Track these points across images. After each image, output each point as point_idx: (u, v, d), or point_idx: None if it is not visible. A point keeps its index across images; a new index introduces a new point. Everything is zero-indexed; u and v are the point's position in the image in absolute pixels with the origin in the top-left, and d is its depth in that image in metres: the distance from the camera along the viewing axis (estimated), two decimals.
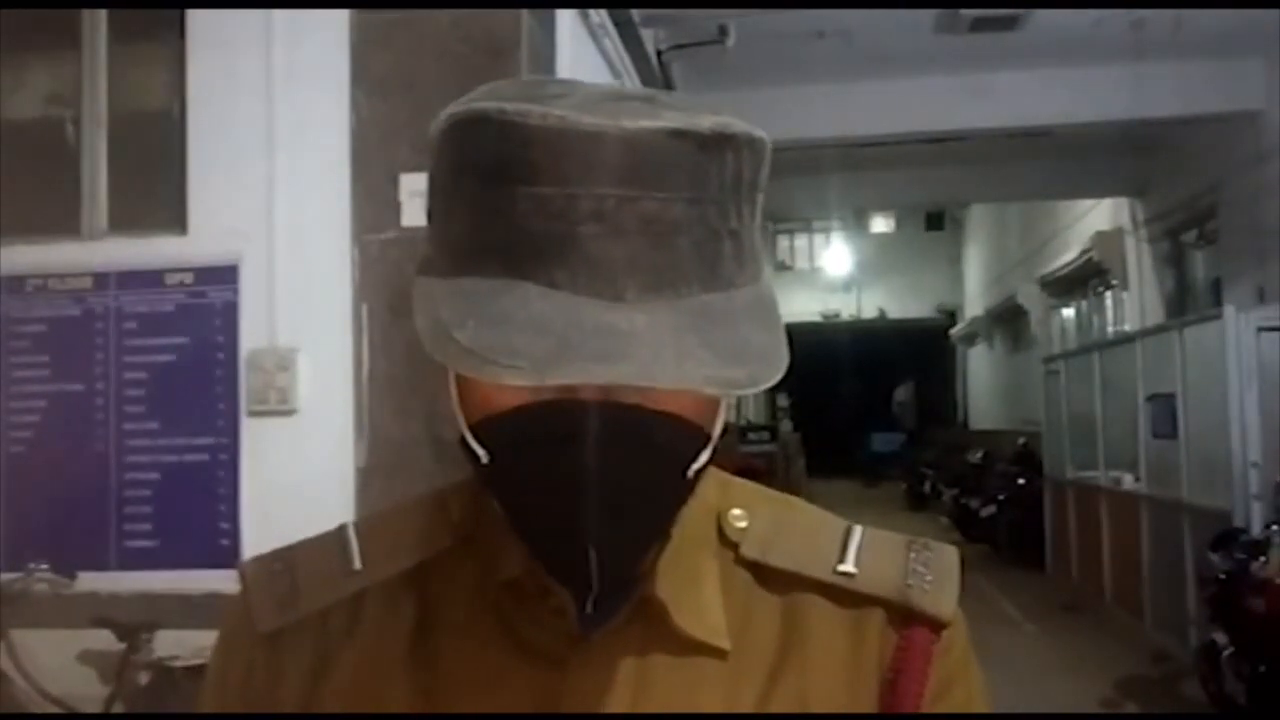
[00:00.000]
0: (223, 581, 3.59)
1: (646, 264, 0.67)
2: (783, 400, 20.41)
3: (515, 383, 0.65)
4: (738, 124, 0.70)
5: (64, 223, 4.02)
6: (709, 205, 0.69)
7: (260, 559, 0.85)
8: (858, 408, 24.92)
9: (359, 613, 0.82)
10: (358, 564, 0.82)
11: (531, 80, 0.75)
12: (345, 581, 0.82)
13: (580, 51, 4.66)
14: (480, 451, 0.73)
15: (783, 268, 23.63)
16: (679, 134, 0.67)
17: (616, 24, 5.41)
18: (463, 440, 0.74)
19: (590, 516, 0.68)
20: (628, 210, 0.66)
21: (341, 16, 3.71)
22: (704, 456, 0.74)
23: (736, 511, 0.84)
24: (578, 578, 0.70)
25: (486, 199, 0.69)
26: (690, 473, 0.73)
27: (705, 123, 0.68)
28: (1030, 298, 15.45)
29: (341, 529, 0.85)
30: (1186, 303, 10.49)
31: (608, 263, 0.66)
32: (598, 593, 0.70)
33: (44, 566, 3.74)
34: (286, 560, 0.84)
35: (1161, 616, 7.72)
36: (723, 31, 6.59)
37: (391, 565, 0.82)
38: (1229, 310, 6.83)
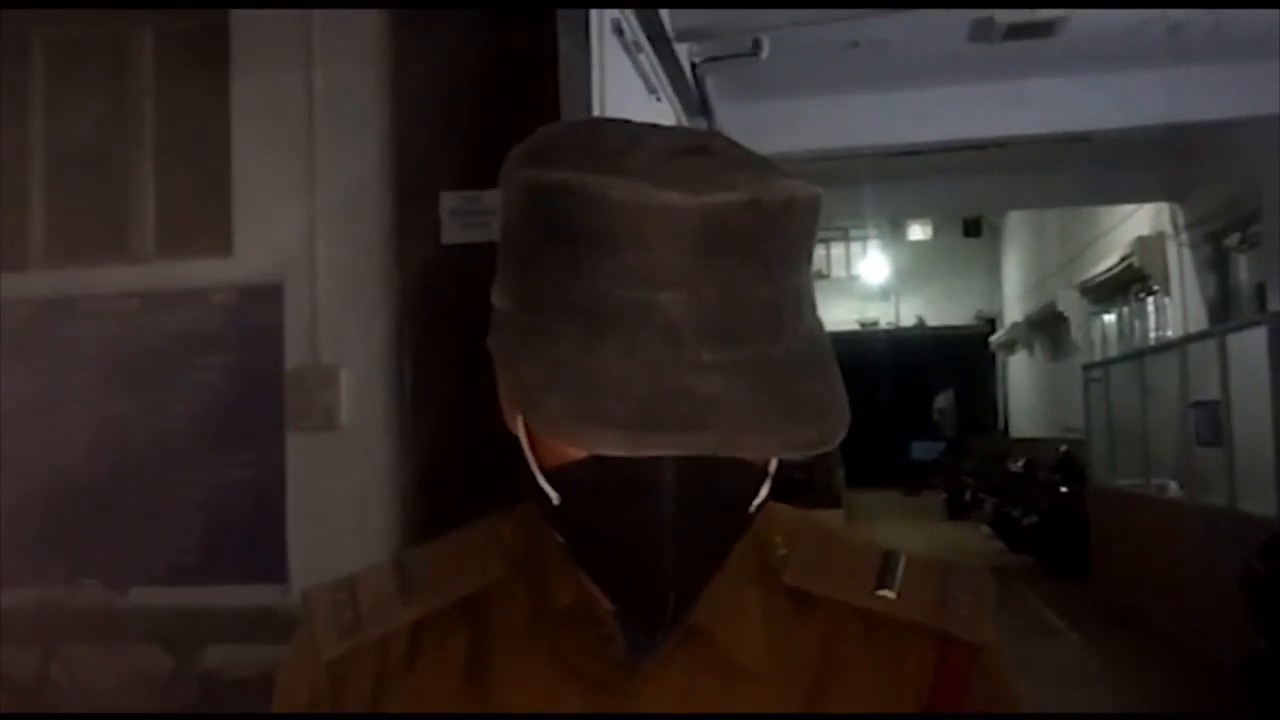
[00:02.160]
0: (270, 596, 3.67)
1: (721, 325, 0.70)
2: None
3: (608, 452, 0.68)
4: (801, 188, 0.73)
5: (112, 246, 4.11)
6: (776, 265, 0.72)
7: (325, 587, 0.88)
8: (897, 416, 24.74)
9: (418, 640, 0.85)
10: (415, 593, 0.86)
11: (586, 127, 0.79)
12: (404, 610, 0.85)
13: (616, 68, 4.69)
14: (552, 494, 0.76)
15: (820, 276, 23.57)
16: (752, 205, 0.70)
17: (651, 39, 5.44)
18: (531, 480, 0.77)
19: (668, 563, 0.72)
20: (705, 276, 0.69)
21: (380, 39, 3.77)
22: (763, 492, 0.77)
23: (777, 539, 0.86)
24: (652, 616, 0.74)
25: (567, 263, 0.71)
26: (752, 509, 0.77)
27: (776, 192, 0.71)
28: (1070, 304, 15.32)
29: (398, 558, 0.89)
30: (1230, 308, 10.36)
31: (685, 326, 0.69)
32: (667, 626, 0.75)
33: (95, 582, 3.81)
34: (350, 589, 0.87)
35: (1208, 625, 7.61)
36: (756, 45, 6.61)
37: (448, 594, 0.85)
38: (1273, 315, 6.75)
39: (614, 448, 0.67)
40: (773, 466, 0.77)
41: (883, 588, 0.84)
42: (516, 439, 0.80)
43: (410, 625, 0.85)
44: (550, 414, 0.68)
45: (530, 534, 0.86)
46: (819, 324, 0.78)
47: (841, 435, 0.71)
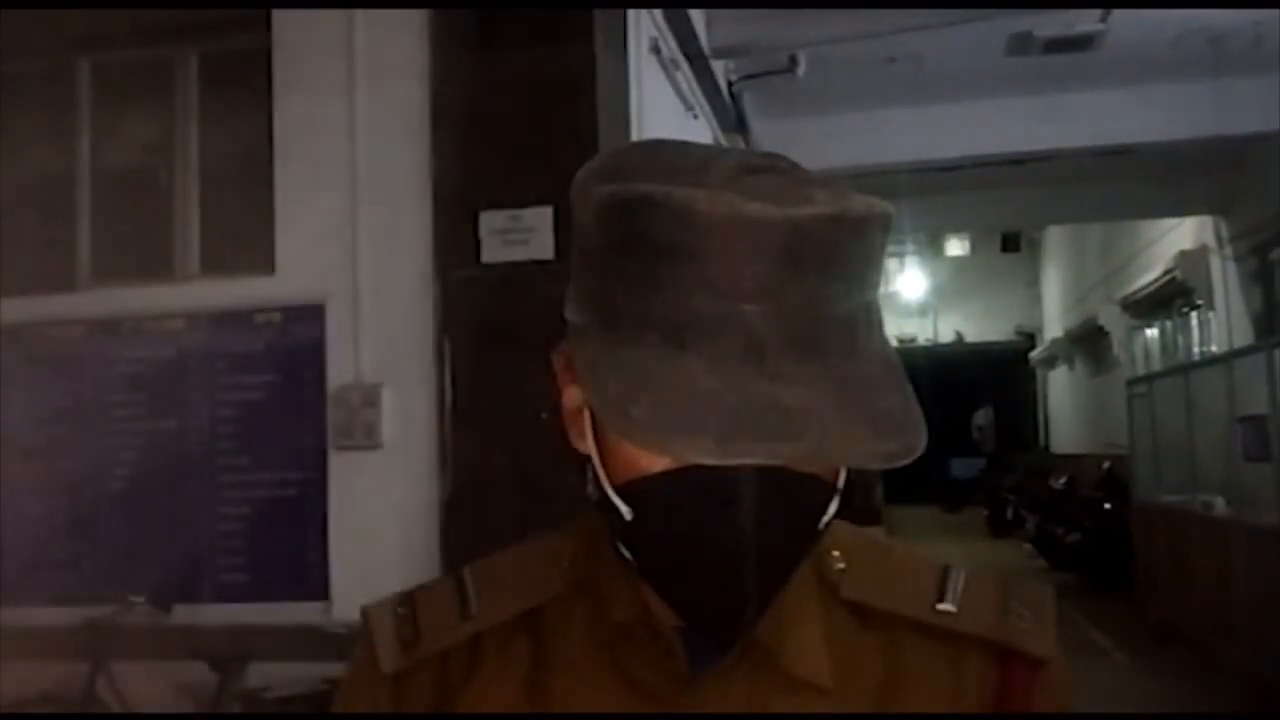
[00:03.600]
0: (313, 614, 3.68)
1: (802, 339, 0.70)
2: None
3: (700, 460, 0.68)
4: (876, 203, 0.73)
5: (158, 266, 4.17)
6: (854, 280, 0.73)
7: (384, 602, 0.89)
8: (936, 433, 24.28)
9: (477, 655, 0.85)
10: (475, 608, 0.86)
11: (653, 147, 0.79)
12: (463, 625, 0.86)
13: (653, 86, 4.71)
14: (624, 509, 0.75)
15: None
16: (835, 219, 0.70)
17: (688, 57, 5.46)
18: (602, 497, 0.78)
19: (748, 577, 0.72)
20: (787, 289, 0.69)
21: (421, 60, 3.81)
22: (833, 508, 0.77)
23: (835, 553, 0.86)
24: (727, 630, 0.74)
25: (648, 275, 0.71)
26: (821, 525, 0.77)
27: (856, 207, 0.71)
28: (1112, 319, 15.14)
29: (458, 574, 0.89)
30: (1276, 321, 10.21)
31: (768, 338, 0.69)
32: (738, 639, 0.75)
33: (141, 600, 3.85)
34: (409, 604, 0.88)
35: (1258, 645, 7.48)
36: (793, 61, 6.60)
37: (507, 609, 0.86)
38: None
39: (705, 456, 0.67)
40: (841, 482, 0.77)
41: (943, 601, 0.84)
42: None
43: (470, 639, 0.86)
44: (638, 424, 0.68)
45: (590, 551, 0.86)
46: (889, 344, 0.78)
47: (922, 448, 0.71)
